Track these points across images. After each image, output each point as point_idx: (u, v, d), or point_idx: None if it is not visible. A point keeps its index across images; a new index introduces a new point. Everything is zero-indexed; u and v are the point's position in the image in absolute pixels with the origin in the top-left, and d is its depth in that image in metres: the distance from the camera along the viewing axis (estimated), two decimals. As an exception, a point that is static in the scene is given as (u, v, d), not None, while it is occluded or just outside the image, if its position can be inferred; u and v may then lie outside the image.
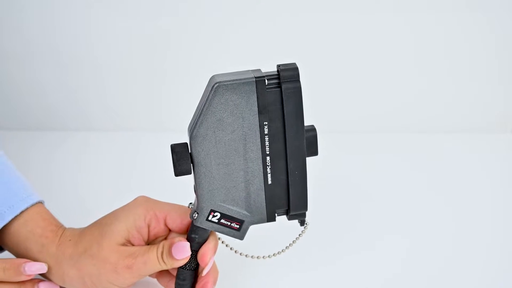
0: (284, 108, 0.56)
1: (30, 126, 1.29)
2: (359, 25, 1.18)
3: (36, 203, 0.66)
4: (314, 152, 0.59)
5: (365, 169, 1.05)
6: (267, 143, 0.58)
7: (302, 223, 0.63)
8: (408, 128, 1.22)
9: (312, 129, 0.59)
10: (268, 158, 0.58)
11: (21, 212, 0.64)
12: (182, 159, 0.58)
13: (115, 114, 1.29)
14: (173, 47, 1.24)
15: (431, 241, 0.80)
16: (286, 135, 0.57)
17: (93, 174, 1.08)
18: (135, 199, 0.65)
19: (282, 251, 0.65)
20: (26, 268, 0.61)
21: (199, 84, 0.59)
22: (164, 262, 0.61)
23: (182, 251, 0.60)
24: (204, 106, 0.56)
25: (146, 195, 0.66)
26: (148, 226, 0.63)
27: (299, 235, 0.65)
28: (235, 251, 0.65)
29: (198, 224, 0.60)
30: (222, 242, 0.65)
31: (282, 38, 1.21)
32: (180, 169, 0.58)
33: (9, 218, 0.63)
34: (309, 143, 0.58)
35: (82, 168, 1.11)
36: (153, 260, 0.60)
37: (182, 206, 0.64)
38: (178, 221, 0.63)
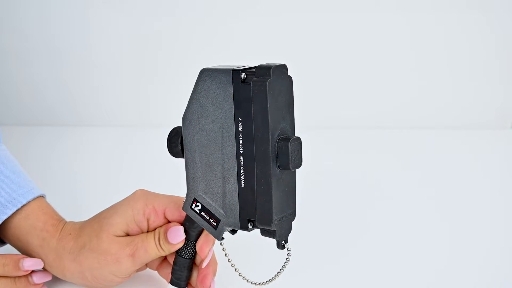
0: (252, 106, 0.52)
1: (27, 122, 1.30)
2: (362, 24, 1.20)
3: (38, 197, 0.66)
4: (284, 165, 0.52)
5: (363, 165, 1.06)
6: (241, 141, 0.54)
7: (279, 245, 0.56)
8: (408, 125, 1.23)
9: (287, 138, 0.52)
10: (241, 158, 0.54)
11: (23, 206, 0.65)
12: (174, 139, 0.58)
13: (111, 111, 1.30)
14: (167, 46, 1.25)
15: (431, 240, 0.79)
16: (254, 137, 0.53)
17: (90, 168, 1.09)
18: (134, 192, 0.65)
19: (270, 280, 0.60)
20: (24, 264, 0.62)
21: (191, 82, 0.59)
22: (162, 248, 0.62)
23: (177, 235, 0.61)
24: (192, 91, 0.56)
25: (143, 188, 0.66)
26: (148, 220, 0.63)
27: (283, 264, 0.58)
28: (233, 266, 0.61)
29: (183, 209, 0.60)
30: (223, 249, 0.62)
31: (284, 37, 1.22)
32: (170, 149, 0.59)
33: (11, 212, 0.64)
34: (280, 153, 0.52)
35: (78, 162, 1.12)
36: (152, 246, 0.61)
37: (181, 197, 0.64)
38: (177, 214, 0.63)
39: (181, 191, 0.65)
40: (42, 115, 1.31)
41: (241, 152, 0.54)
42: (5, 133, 0.83)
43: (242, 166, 0.54)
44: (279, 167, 0.53)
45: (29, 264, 0.63)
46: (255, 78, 0.51)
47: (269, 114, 0.51)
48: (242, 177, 0.55)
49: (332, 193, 0.93)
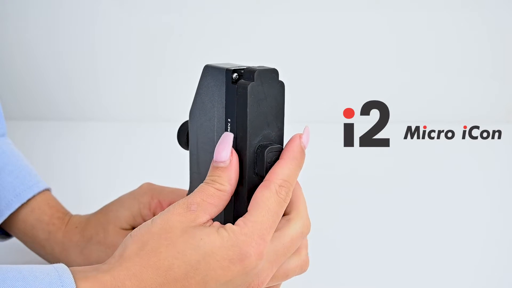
0: (236, 108, 0.50)
1: (30, 116, 1.30)
2: (361, 24, 1.20)
3: (43, 190, 0.66)
4: (260, 172, 0.50)
5: (361, 163, 1.06)
6: None
7: None
8: (403, 122, 1.23)
9: (265, 146, 0.50)
10: None
11: (28, 200, 0.64)
12: (182, 131, 0.58)
13: (114, 106, 1.30)
14: (170, 41, 1.25)
15: (430, 240, 0.77)
16: (235, 140, 0.51)
17: (93, 162, 1.09)
18: (140, 186, 0.65)
19: None
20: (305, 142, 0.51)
21: (195, 77, 0.58)
22: None
23: None
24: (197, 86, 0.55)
25: (146, 181, 0.65)
26: (154, 214, 0.63)
27: None
28: None
29: None
30: None
31: (285, 36, 1.22)
32: (179, 140, 0.58)
33: (16, 206, 0.63)
34: (258, 159, 0.50)
35: (81, 157, 1.12)
36: None
37: (186, 191, 0.64)
38: None
39: (185, 185, 0.64)
40: (46, 109, 1.31)
41: None
42: (7, 127, 0.83)
43: None
44: (256, 174, 0.51)
45: (306, 138, 0.51)
46: (241, 80, 0.50)
47: (248, 118, 0.50)
48: None
49: (329, 194, 0.92)
